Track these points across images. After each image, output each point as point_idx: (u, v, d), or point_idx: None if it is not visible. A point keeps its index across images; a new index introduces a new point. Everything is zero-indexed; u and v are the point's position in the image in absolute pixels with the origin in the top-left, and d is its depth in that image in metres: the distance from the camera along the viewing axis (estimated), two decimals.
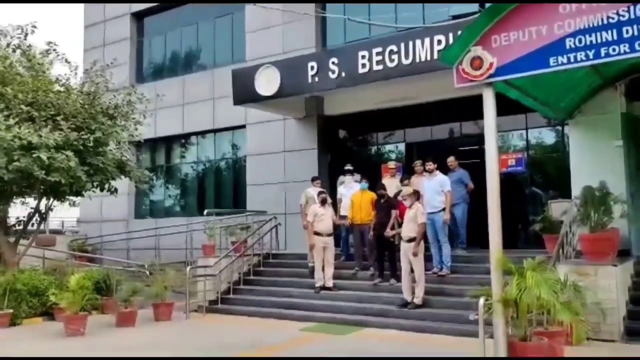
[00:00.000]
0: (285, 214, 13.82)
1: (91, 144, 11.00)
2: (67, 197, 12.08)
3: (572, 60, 5.73)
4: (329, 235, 10.76)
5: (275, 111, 14.10)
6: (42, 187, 10.80)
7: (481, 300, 5.94)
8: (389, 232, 9.83)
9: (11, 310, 9.95)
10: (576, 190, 9.07)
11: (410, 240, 9.15)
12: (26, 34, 11.45)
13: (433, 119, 13.07)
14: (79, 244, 17.43)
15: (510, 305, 5.90)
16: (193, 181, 17.33)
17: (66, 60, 11.77)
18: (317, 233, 10.70)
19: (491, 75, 6.03)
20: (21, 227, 12.00)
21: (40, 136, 9.94)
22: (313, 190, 11.73)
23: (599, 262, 7.71)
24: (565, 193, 10.24)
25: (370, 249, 10.61)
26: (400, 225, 9.71)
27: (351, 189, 11.42)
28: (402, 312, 9.24)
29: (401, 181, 10.84)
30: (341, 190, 11.85)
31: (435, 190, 10.01)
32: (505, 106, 10.25)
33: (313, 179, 12.12)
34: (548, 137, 12.07)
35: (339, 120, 14.28)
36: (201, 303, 11.23)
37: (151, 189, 18.17)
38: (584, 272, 7.59)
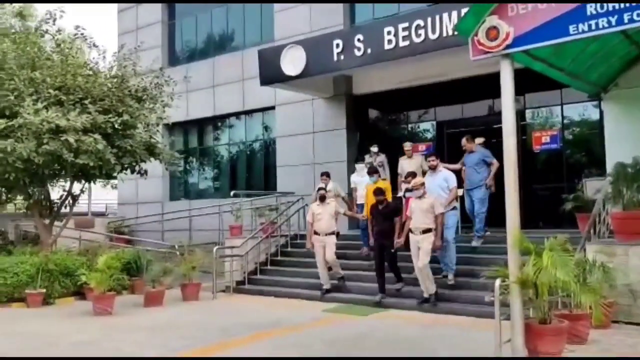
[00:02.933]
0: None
1: (119, 127, 11.17)
2: (98, 179, 12.28)
3: (593, 27, 5.37)
4: (327, 234, 10.01)
5: (303, 91, 13.97)
6: (72, 170, 10.98)
7: (497, 282, 5.72)
8: (399, 242, 8.93)
9: (44, 290, 10.22)
10: (611, 167, 8.66)
11: (425, 231, 8.55)
12: (55, 19, 11.62)
13: (464, 96, 12.71)
14: (116, 226, 17.83)
15: (529, 287, 5.66)
16: (225, 163, 17.42)
17: (94, 44, 11.90)
18: (315, 233, 10.10)
19: (508, 46, 5.73)
20: (55, 209, 12.28)
21: (68, 119, 10.10)
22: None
23: (630, 242, 7.34)
24: (602, 171, 9.83)
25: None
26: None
27: (364, 177, 10.87)
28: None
29: (426, 157, 10.19)
30: (354, 178, 11.50)
31: (440, 187, 9.13)
32: (539, 82, 9.99)
33: (322, 174, 11.48)
34: (584, 113, 11.56)
35: (368, 99, 14.05)
36: (228, 283, 11.33)
37: (186, 171, 18.41)
38: (613, 252, 7.24)
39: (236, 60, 16.18)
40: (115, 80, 11.67)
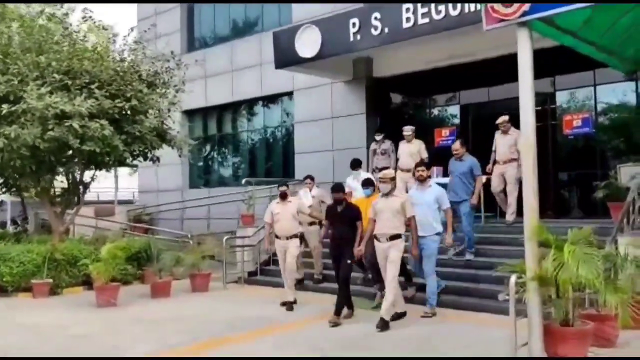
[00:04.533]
0: (333, 182, 13.21)
1: (128, 112, 10.83)
2: (109, 167, 12.01)
3: None
4: (289, 237, 8.60)
5: (320, 74, 13.41)
6: (80, 156, 10.69)
7: (512, 278, 5.11)
8: (360, 251, 7.33)
9: (51, 280, 9.98)
10: None
11: (393, 237, 7.04)
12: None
13: (490, 77, 11.94)
14: (136, 214, 17.66)
15: (548, 284, 5.04)
16: (244, 150, 17.02)
17: (103, 27, 11.56)
18: (276, 236, 8.75)
19: (525, 13, 5.06)
20: (65, 197, 12.06)
21: (74, 105, 9.79)
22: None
23: None
24: (639, 156, 9.06)
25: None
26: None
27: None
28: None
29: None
30: (349, 182, 10.19)
31: (428, 206, 7.54)
32: (571, 62, 9.24)
33: (305, 178, 10.75)
34: (619, 94, 10.72)
35: (388, 82, 13.39)
36: (240, 274, 10.93)
37: (205, 158, 18.10)
38: None
39: (254, 45, 15.70)
40: (124, 64, 11.31)
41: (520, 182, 9.24)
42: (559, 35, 6.16)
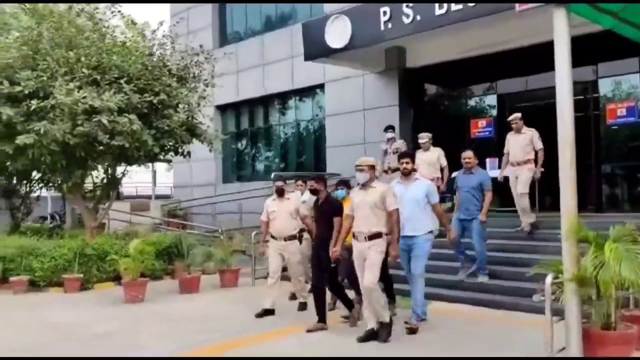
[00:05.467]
0: None
1: (157, 107, 10.78)
2: (140, 162, 12.01)
3: None
4: (287, 239, 7.76)
5: (351, 65, 13.12)
6: (110, 152, 10.69)
7: (548, 278, 4.75)
8: (336, 252, 6.31)
9: (81, 275, 10.02)
10: None
11: (373, 237, 6.07)
12: None
13: (529, 66, 11.41)
14: (171, 209, 17.74)
15: (588, 284, 4.66)
16: (276, 144, 16.88)
17: (132, 22, 11.52)
18: (272, 236, 7.92)
19: None
20: (97, 192, 12.13)
21: (103, 100, 9.78)
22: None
23: None
24: None
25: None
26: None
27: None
28: (470, 284, 8.22)
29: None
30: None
31: (416, 202, 6.58)
32: (614, 49, 8.72)
33: (296, 180, 9.71)
34: None
35: (422, 72, 12.99)
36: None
37: (238, 153, 18.03)
38: None
39: (285, 37, 15.48)
40: (153, 58, 11.26)
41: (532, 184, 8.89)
42: (599, 16, 5.71)
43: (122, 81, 10.26)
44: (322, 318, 6.75)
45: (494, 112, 12.30)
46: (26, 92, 9.82)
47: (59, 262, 9.96)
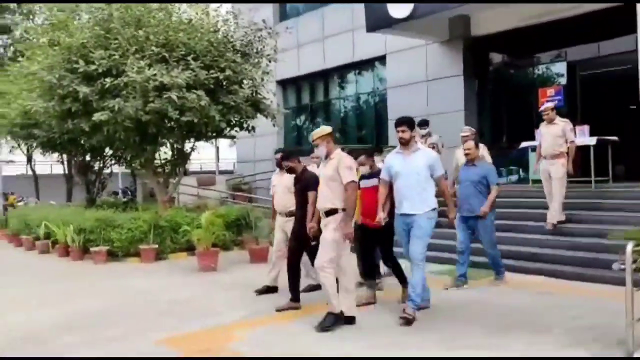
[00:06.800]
0: None
1: (223, 83, 11.00)
2: (208, 137, 12.32)
3: None
4: (287, 215, 7.01)
5: (414, 36, 12.95)
6: (180, 127, 11.02)
7: (629, 246, 4.63)
8: (313, 228, 5.86)
9: (156, 246, 10.47)
10: None
11: (329, 212, 5.56)
12: None
13: (601, 31, 10.97)
14: (235, 183, 18.17)
15: None
16: (336, 117, 16.92)
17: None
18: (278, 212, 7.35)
19: None
20: (167, 167, 12.55)
21: (172, 77, 10.07)
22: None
23: None
24: None
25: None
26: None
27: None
28: (544, 256, 8.07)
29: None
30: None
31: (417, 174, 5.72)
32: None
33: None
34: None
35: (487, 41, 12.67)
36: None
37: (299, 127, 18.20)
38: None
39: (345, 10, 15.41)
40: (217, 35, 11.47)
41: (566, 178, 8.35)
42: None
43: (189, 58, 10.51)
44: (295, 297, 6.46)
45: (564, 80, 11.90)
46: (100, 70, 10.22)
47: (135, 234, 10.45)
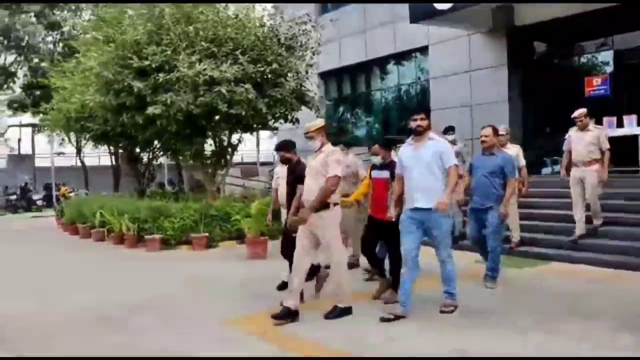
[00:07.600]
0: (472, 139, 12.87)
1: (269, 76, 11.28)
2: (254, 130, 12.64)
3: None
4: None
5: (457, 26, 13.01)
6: (228, 120, 11.37)
7: None
8: (295, 220, 5.59)
9: (207, 234, 10.86)
10: None
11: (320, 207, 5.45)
12: None
13: None
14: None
15: None
16: (378, 109, 17.08)
17: None
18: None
19: None
20: (215, 159, 12.93)
21: (221, 71, 10.40)
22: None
23: None
24: None
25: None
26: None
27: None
28: (587, 245, 8.10)
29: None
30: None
31: (428, 167, 5.47)
32: None
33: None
34: None
35: (531, 30, 12.62)
36: None
37: (340, 119, 18.38)
38: None
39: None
40: (264, 29, 11.75)
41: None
42: None
43: (237, 52, 10.83)
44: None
45: (610, 69, 11.79)
46: (153, 65, 10.62)
47: (187, 223, 10.87)
